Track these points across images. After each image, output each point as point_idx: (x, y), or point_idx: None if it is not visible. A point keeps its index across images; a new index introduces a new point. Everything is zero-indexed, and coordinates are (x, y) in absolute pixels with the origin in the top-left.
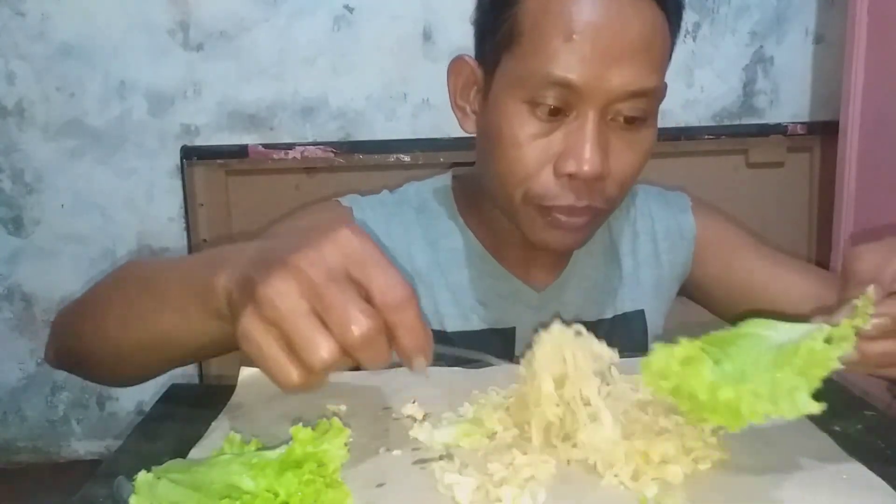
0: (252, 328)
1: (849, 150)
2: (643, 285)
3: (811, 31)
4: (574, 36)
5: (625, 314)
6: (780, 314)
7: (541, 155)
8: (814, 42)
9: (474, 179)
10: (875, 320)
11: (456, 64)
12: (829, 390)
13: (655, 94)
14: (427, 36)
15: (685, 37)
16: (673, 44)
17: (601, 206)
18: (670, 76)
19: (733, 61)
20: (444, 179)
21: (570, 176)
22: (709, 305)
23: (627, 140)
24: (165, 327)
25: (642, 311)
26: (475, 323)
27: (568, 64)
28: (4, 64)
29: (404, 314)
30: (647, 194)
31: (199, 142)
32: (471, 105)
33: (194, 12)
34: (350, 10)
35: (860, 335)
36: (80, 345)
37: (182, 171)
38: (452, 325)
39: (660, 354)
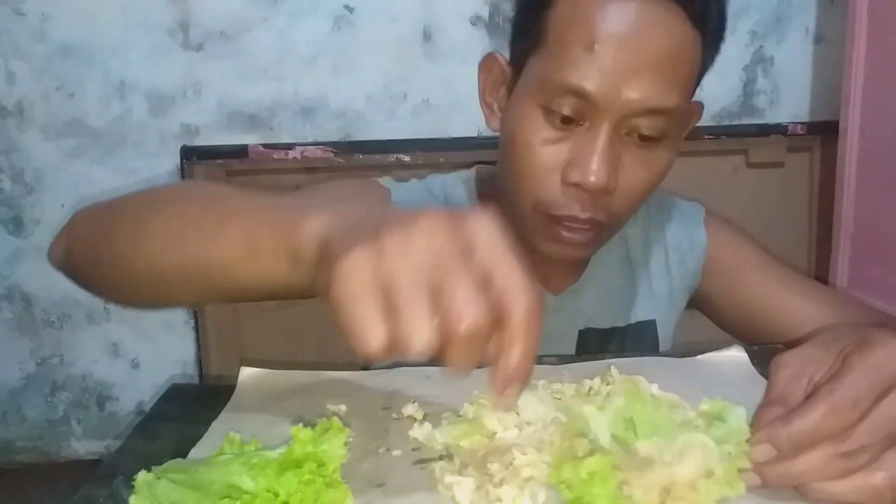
0: (359, 272)
1: (849, 150)
2: (656, 295)
3: (811, 31)
4: (595, 45)
5: (638, 323)
6: (778, 337)
7: (550, 161)
8: (814, 42)
9: (494, 179)
10: (755, 449)
11: (487, 61)
12: None
13: (675, 113)
14: (427, 36)
15: None
16: (707, 64)
17: (605, 220)
18: None
19: (733, 61)
20: (469, 174)
21: (576, 186)
22: (715, 319)
23: (641, 158)
24: (225, 255)
25: (654, 322)
26: None
27: (585, 73)
28: (4, 64)
29: (526, 326)
30: (661, 204)
31: (199, 142)
32: (498, 103)
33: (194, 12)
34: (350, 10)
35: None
36: (104, 250)
37: (182, 171)
38: None
39: (568, 466)
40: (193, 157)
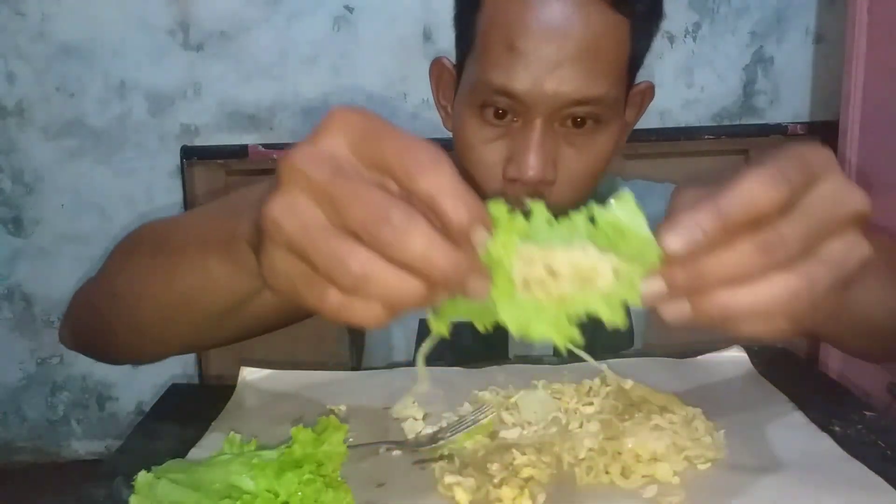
0: (271, 261)
1: (849, 150)
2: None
3: (811, 31)
4: (516, 44)
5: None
6: None
7: (490, 159)
8: (814, 42)
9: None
10: (668, 235)
11: (435, 66)
12: (829, 390)
13: (605, 100)
14: (427, 36)
15: (685, 37)
16: (643, 44)
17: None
18: (670, 76)
19: (733, 61)
20: None
21: (515, 181)
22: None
23: (579, 145)
24: (184, 288)
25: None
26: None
27: (509, 73)
28: (4, 64)
29: (436, 179)
30: (632, 188)
31: (199, 142)
32: (450, 104)
33: (194, 12)
34: (350, 10)
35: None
36: (96, 319)
37: (182, 171)
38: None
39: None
40: (193, 157)
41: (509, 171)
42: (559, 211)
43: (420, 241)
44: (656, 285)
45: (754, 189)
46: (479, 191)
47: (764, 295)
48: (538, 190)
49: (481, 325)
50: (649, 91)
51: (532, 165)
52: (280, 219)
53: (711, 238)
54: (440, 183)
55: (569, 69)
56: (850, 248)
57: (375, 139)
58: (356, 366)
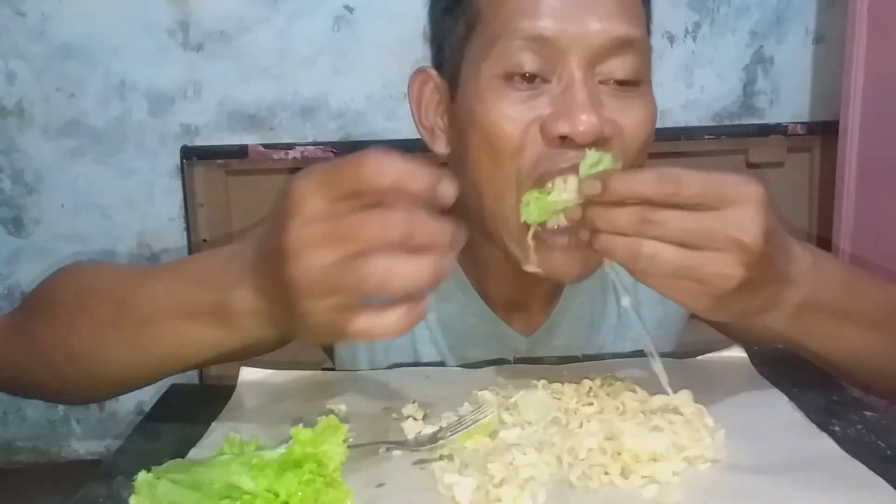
0: (316, 315)
1: (849, 150)
2: (644, 323)
3: (811, 31)
4: None
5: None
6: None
7: (524, 119)
8: (814, 42)
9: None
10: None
11: (417, 77)
12: (829, 390)
13: (643, 47)
14: (427, 36)
15: (685, 37)
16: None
17: None
18: (670, 76)
19: (733, 61)
20: None
21: (563, 140)
22: (718, 328)
23: (625, 104)
24: (162, 350)
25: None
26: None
27: (537, 15)
28: (4, 64)
29: (391, 174)
30: None
31: (199, 142)
32: (439, 122)
33: (194, 12)
34: (350, 10)
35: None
36: (31, 362)
37: (182, 171)
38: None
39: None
40: (193, 157)
41: (558, 126)
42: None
43: (422, 226)
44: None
45: (650, 175)
46: (509, 186)
47: (648, 249)
48: (597, 146)
49: None
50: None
51: (585, 120)
52: (314, 278)
53: (611, 193)
54: (394, 175)
55: (601, 8)
56: (724, 264)
57: (336, 179)
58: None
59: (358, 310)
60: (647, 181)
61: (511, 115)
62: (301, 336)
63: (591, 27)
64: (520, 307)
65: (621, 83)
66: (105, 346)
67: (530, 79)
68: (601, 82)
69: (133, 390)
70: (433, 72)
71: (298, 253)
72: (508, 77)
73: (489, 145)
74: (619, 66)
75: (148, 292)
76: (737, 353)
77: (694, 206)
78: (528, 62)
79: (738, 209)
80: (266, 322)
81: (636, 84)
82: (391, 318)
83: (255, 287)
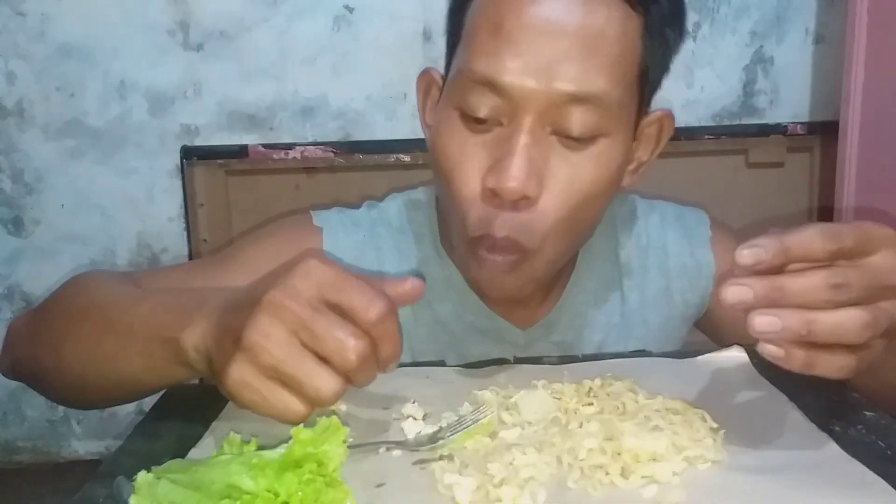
0: (249, 377)
1: (849, 150)
2: (648, 324)
3: (811, 31)
4: (504, 28)
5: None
6: None
7: (471, 169)
8: (814, 42)
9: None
10: (743, 252)
11: (422, 78)
12: (830, 390)
13: (607, 104)
14: (427, 36)
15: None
16: (654, 55)
17: (526, 242)
18: (670, 76)
19: (733, 61)
20: (424, 194)
21: (493, 193)
22: (718, 340)
23: (573, 160)
24: (132, 370)
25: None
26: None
27: (496, 59)
28: (4, 64)
29: (387, 326)
30: (664, 221)
31: (199, 142)
32: None
33: (194, 12)
34: (350, 10)
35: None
36: (37, 367)
37: (182, 172)
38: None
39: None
40: (193, 157)
41: (488, 180)
42: (537, 246)
43: (365, 363)
44: (740, 291)
45: (811, 234)
46: (458, 211)
47: (840, 321)
48: (518, 207)
49: None
50: (668, 120)
51: (513, 175)
52: (264, 342)
53: (773, 260)
54: (387, 330)
55: (564, 59)
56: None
57: (342, 288)
58: None
59: (271, 388)
60: (815, 240)
61: (458, 163)
62: (219, 386)
63: (546, 81)
64: (517, 303)
65: (577, 139)
66: (88, 361)
67: (481, 121)
68: (553, 133)
69: (114, 405)
70: (436, 73)
71: (266, 310)
72: (464, 114)
73: (443, 179)
74: (576, 120)
75: (133, 314)
76: (737, 353)
77: (843, 258)
78: (482, 107)
79: (886, 252)
80: (203, 360)
81: (591, 140)
82: (294, 407)
83: (212, 323)
